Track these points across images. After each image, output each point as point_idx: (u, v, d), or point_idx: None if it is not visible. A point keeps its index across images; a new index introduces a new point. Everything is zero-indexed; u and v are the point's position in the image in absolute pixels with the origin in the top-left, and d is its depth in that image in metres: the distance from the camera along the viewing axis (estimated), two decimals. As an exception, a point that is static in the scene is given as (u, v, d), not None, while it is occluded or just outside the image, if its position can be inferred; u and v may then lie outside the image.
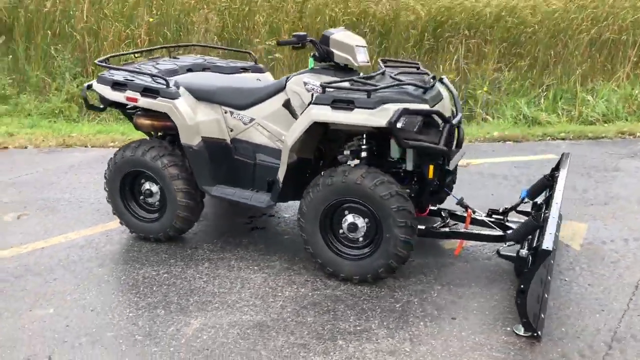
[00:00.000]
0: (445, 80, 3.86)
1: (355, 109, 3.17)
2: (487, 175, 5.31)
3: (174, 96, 3.68)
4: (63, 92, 7.69)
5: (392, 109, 3.12)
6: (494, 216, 3.80)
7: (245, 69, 4.39)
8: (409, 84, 3.32)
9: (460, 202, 3.68)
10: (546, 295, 3.15)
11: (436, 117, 3.30)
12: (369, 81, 3.32)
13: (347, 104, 3.20)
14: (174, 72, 4.06)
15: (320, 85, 3.34)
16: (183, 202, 3.78)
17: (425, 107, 3.26)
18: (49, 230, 4.28)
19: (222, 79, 4.01)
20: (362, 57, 3.50)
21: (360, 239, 3.43)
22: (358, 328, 3.06)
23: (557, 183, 3.58)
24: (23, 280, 3.59)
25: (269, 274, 3.63)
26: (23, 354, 2.89)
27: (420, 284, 3.48)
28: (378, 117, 3.13)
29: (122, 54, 4.83)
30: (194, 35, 7.99)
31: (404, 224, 3.25)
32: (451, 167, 3.55)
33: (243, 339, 3.00)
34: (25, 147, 6.46)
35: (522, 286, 2.78)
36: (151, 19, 8.09)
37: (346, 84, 3.35)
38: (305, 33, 3.57)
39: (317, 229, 3.44)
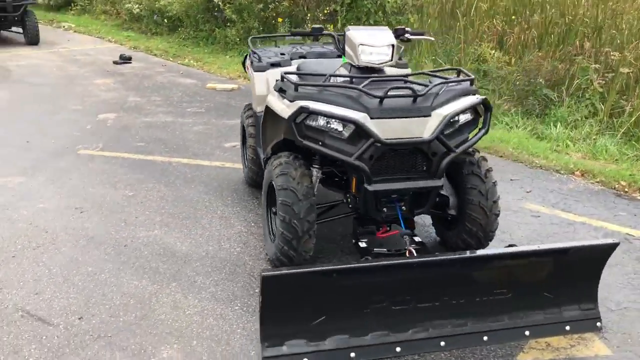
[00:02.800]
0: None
1: (284, 99, 3.40)
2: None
3: (263, 69, 4.45)
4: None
5: (298, 105, 3.21)
6: None
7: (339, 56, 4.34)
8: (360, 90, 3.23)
9: (408, 234, 3.44)
10: None
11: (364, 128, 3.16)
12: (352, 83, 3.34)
13: (283, 93, 3.43)
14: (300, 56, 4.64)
15: (280, 75, 3.56)
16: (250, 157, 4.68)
17: (346, 114, 3.18)
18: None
19: (319, 63, 4.28)
20: (367, 57, 3.43)
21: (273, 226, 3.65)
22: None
23: None
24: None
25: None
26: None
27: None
28: (288, 110, 3.29)
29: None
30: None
31: (282, 219, 3.33)
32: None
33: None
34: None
35: None
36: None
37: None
38: (321, 26, 3.68)
39: (265, 208, 3.81)
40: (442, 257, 2.96)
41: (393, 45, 3.51)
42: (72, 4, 16.98)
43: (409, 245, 3.33)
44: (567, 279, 3.12)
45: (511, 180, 5.31)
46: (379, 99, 3.18)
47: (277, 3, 11.04)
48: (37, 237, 4.07)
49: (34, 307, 3.27)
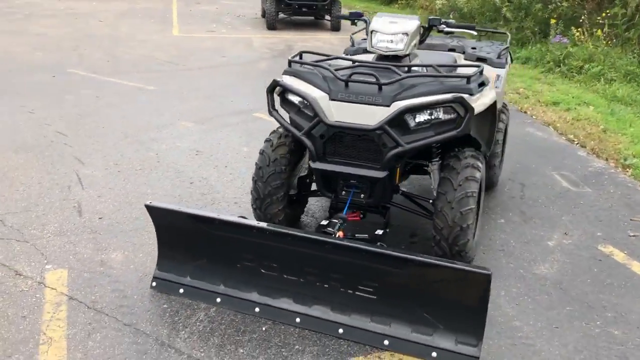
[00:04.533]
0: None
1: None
2: None
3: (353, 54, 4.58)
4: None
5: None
6: None
7: (452, 49, 4.67)
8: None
9: (342, 218, 3.44)
10: None
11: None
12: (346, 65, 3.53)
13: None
14: None
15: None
16: None
17: (308, 91, 3.39)
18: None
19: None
20: (376, 44, 3.56)
21: None
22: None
23: None
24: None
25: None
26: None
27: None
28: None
29: None
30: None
31: (252, 179, 3.75)
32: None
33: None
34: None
35: None
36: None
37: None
38: (361, 12, 3.85)
39: None
40: (310, 236, 3.01)
41: (407, 34, 3.52)
42: (398, -1, 18.37)
43: (337, 229, 3.39)
44: (445, 301, 2.83)
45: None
46: (344, 83, 3.33)
47: (557, 4, 10.39)
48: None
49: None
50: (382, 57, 3.63)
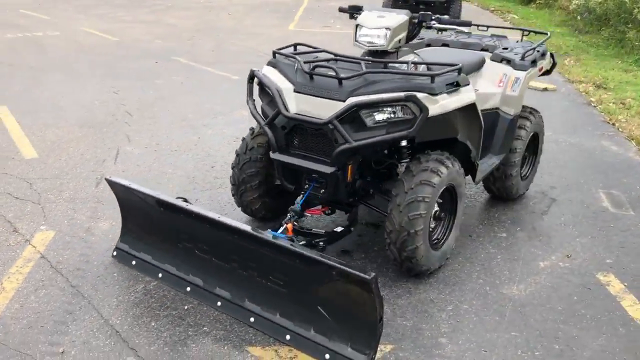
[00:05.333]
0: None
1: None
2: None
3: None
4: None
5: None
6: None
7: (485, 49, 4.52)
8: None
9: (295, 211, 3.43)
10: None
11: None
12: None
13: None
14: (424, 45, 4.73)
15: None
16: None
17: (276, 82, 3.41)
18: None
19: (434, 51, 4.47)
20: (361, 38, 3.52)
21: None
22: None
23: None
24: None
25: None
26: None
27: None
28: None
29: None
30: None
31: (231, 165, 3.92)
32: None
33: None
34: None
35: None
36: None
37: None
38: (360, 6, 3.81)
39: None
40: (228, 223, 3.02)
41: (389, 29, 3.45)
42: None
43: (288, 221, 3.41)
44: (341, 304, 2.74)
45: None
46: (309, 76, 3.35)
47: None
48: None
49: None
50: (371, 53, 3.56)
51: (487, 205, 4.56)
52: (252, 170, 3.76)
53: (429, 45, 4.73)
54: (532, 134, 4.47)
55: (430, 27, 3.71)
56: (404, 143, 3.53)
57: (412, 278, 3.48)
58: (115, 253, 3.60)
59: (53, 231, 3.90)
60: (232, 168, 3.86)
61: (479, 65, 4.23)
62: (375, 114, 3.17)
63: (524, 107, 4.45)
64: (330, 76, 3.24)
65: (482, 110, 4.15)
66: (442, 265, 3.58)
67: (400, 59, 3.56)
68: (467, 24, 3.73)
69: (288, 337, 2.89)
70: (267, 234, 2.98)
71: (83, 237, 3.84)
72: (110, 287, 3.33)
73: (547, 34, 4.69)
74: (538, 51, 4.42)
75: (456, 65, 3.39)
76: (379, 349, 2.75)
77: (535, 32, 4.86)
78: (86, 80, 7.81)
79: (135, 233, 3.55)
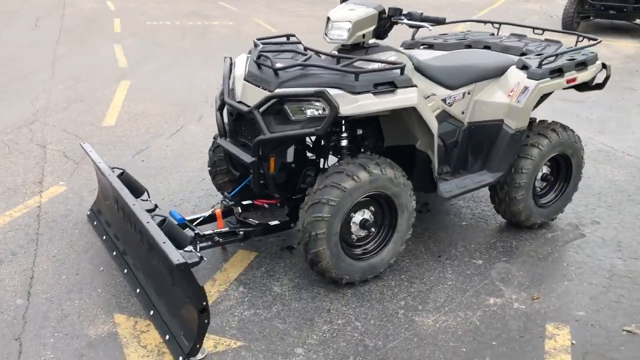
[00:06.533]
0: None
1: None
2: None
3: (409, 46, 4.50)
4: None
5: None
6: None
7: (524, 54, 4.20)
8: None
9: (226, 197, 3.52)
10: None
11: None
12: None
13: None
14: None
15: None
16: None
17: (234, 70, 3.52)
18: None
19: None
20: (327, 32, 3.38)
21: None
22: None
23: None
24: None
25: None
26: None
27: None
28: None
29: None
30: None
31: None
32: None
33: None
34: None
35: None
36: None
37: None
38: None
39: None
40: (123, 197, 3.13)
41: (350, 22, 3.33)
42: None
43: (219, 206, 3.49)
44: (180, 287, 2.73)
45: None
46: (257, 65, 3.40)
47: None
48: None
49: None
50: (346, 48, 3.41)
51: (496, 228, 4.03)
52: (222, 154, 3.85)
53: (469, 46, 4.32)
54: (555, 155, 3.83)
55: (396, 23, 3.42)
56: (344, 143, 3.35)
57: (328, 285, 3.28)
58: (89, 212, 3.98)
59: (66, 187, 4.43)
60: (208, 152, 3.98)
61: (500, 71, 3.76)
62: (305, 109, 3.06)
63: (543, 121, 3.85)
64: (267, 66, 3.20)
65: (484, 121, 3.75)
66: (370, 278, 3.31)
67: (366, 57, 3.34)
68: (441, 21, 3.36)
69: (152, 312, 2.96)
70: (140, 207, 3.03)
71: (84, 197, 4.30)
72: (65, 240, 3.73)
73: (596, 39, 3.95)
74: (572, 59, 3.77)
75: (399, 64, 3.10)
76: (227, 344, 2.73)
77: (586, 37, 4.12)
78: (216, 64, 8.47)
79: (99, 198, 3.90)
